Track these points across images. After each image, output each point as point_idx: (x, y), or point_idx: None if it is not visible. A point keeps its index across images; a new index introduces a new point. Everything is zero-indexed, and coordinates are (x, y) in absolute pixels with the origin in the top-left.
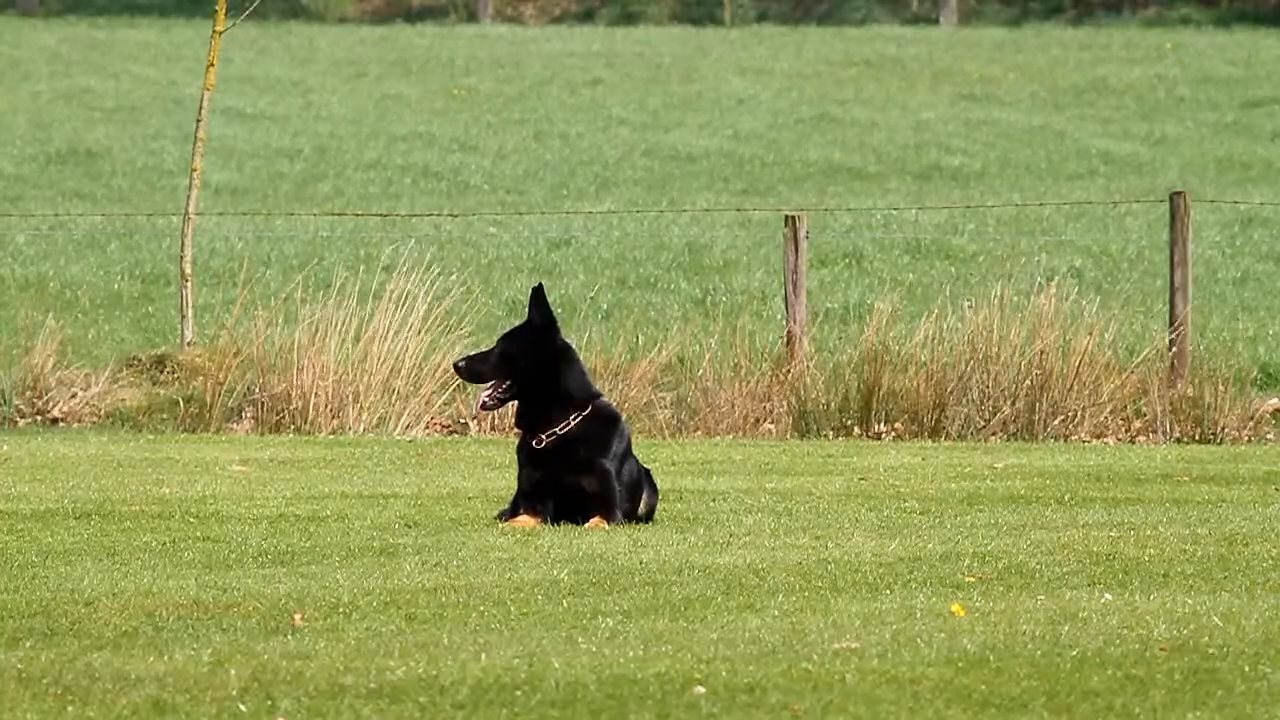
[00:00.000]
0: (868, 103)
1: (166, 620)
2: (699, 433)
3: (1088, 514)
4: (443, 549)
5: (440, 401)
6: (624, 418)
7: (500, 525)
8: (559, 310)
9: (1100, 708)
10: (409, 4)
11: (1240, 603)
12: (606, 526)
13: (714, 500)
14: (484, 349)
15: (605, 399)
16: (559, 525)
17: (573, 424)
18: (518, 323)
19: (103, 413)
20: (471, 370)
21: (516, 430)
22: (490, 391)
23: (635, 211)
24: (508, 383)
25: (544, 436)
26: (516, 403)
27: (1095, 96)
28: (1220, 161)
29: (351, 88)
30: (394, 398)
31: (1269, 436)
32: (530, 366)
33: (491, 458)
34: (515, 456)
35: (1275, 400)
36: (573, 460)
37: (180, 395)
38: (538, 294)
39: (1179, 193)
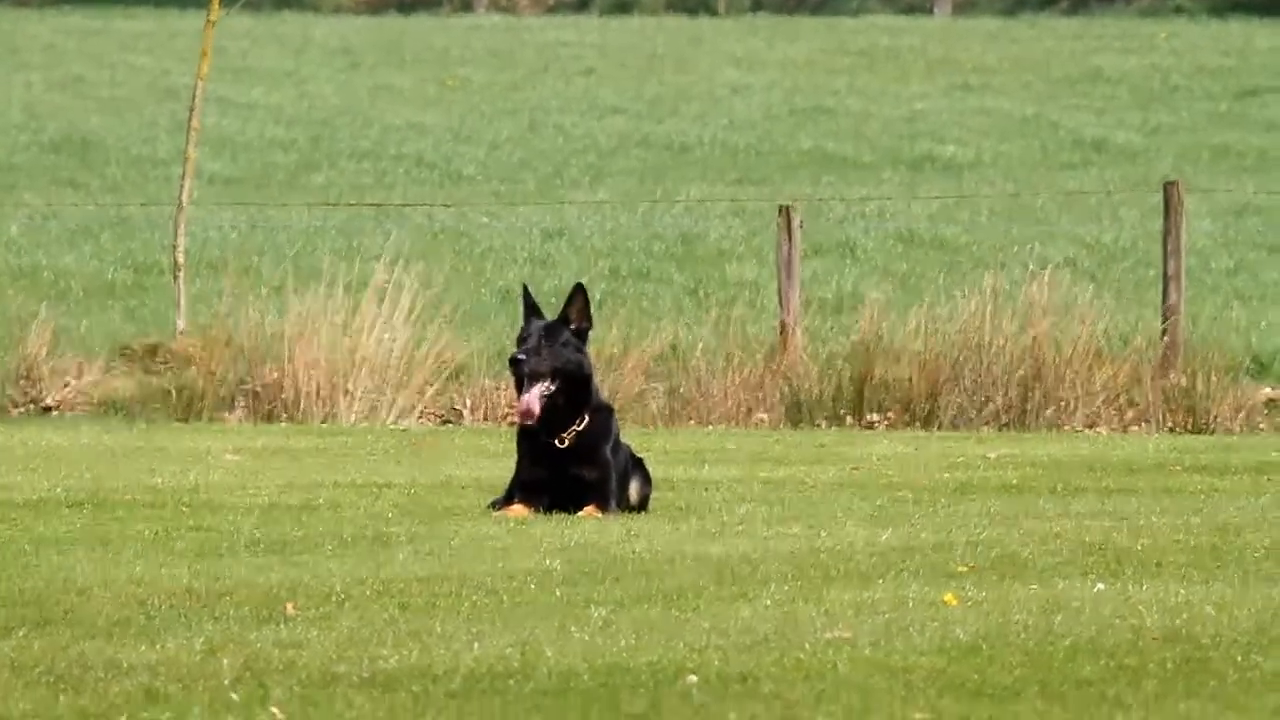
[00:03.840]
0: (862, 93)
1: (159, 609)
2: (692, 422)
3: (1080, 503)
4: (436, 538)
5: (432, 391)
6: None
7: (493, 514)
8: (552, 300)
9: (1093, 697)
10: None
11: (1233, 592)
12: (600, 515)
13: (706, 490)
14: (529, 343)
15: None
16: (551, 515)
17: (588, 420)
18: (548, 319)
19: (95, 402)
20: (534, 368)
21: (512, 422)
22: (542, 390)
23: (629, 201)
24: (558, 383)
25: (565, 436)
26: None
27: (1090, 86)
28: (1214, 151)
29: (345, 77)
30: (386, 387)
31: (1261, 426)
32: (569, 365)
33: (484, 446)
34: (510, 446)
35: (1268, 390)
36: (581, 454)
37: (173, 384)
38: (527, 292)
39: (1172, 182)
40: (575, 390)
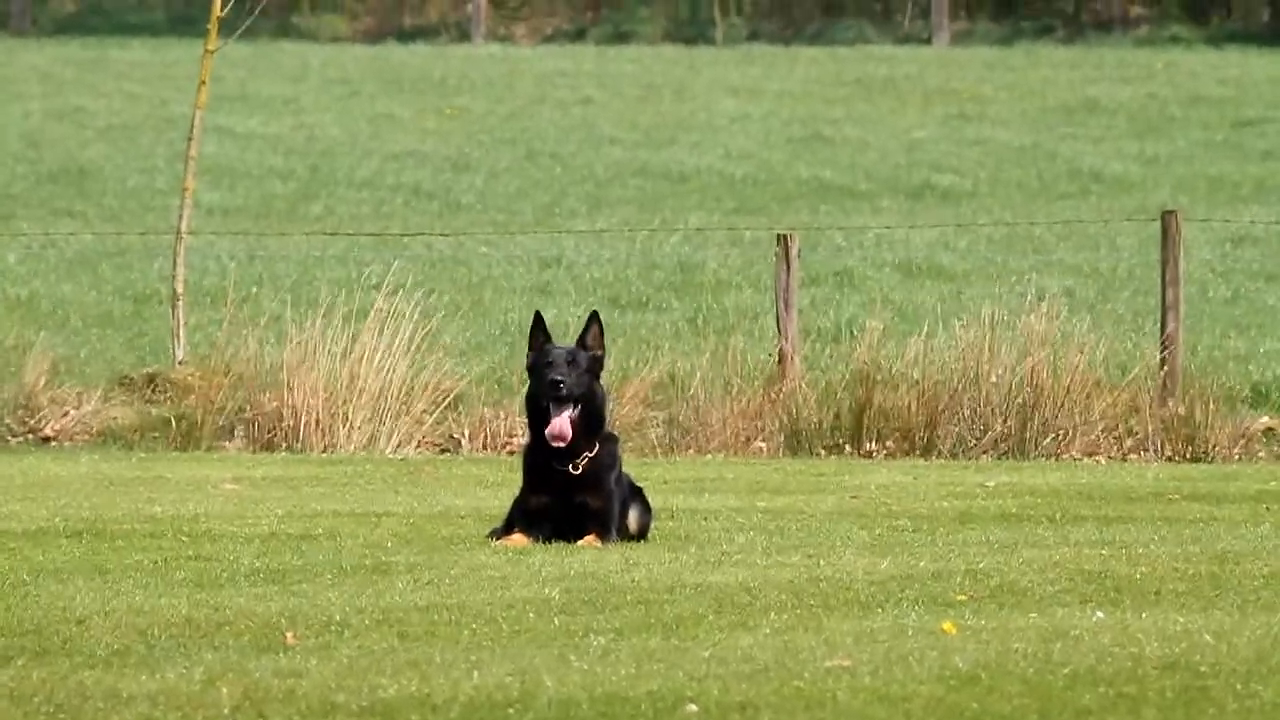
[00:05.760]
0: (859, 122)
1: (158, 638)
2: (691, 451)
3: (1079, 532)
4: (435, 567)
5: (431, 420)
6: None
7: (492, 544)
8: (552, 329)
9: None
10: (401, 23)
11: (1232, 621)
12: (600, 545)
13: (706, 519)
14: (559, 367)
15: None
16: (551, 544)
17: (598, 448)
18: (566, 345)
19: (94, 431)
20: (569, 391)
21: (512, 451)
22: (570, 414)
23: (627, 231)
24: (579, 409)
25: (579, 463)
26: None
27: (1086, 115)
28: (1211, 180)
29: (344, 107)
30: (385, 416)
31: (1260, 455)
32: (589, 391)
33: (483, 476)
34: (510, 476)
35: (1266, 419)
36: (587, 483)
37: (172, 414)
38: (540, 320)
39: (1170, 211)
40: (592, 417)
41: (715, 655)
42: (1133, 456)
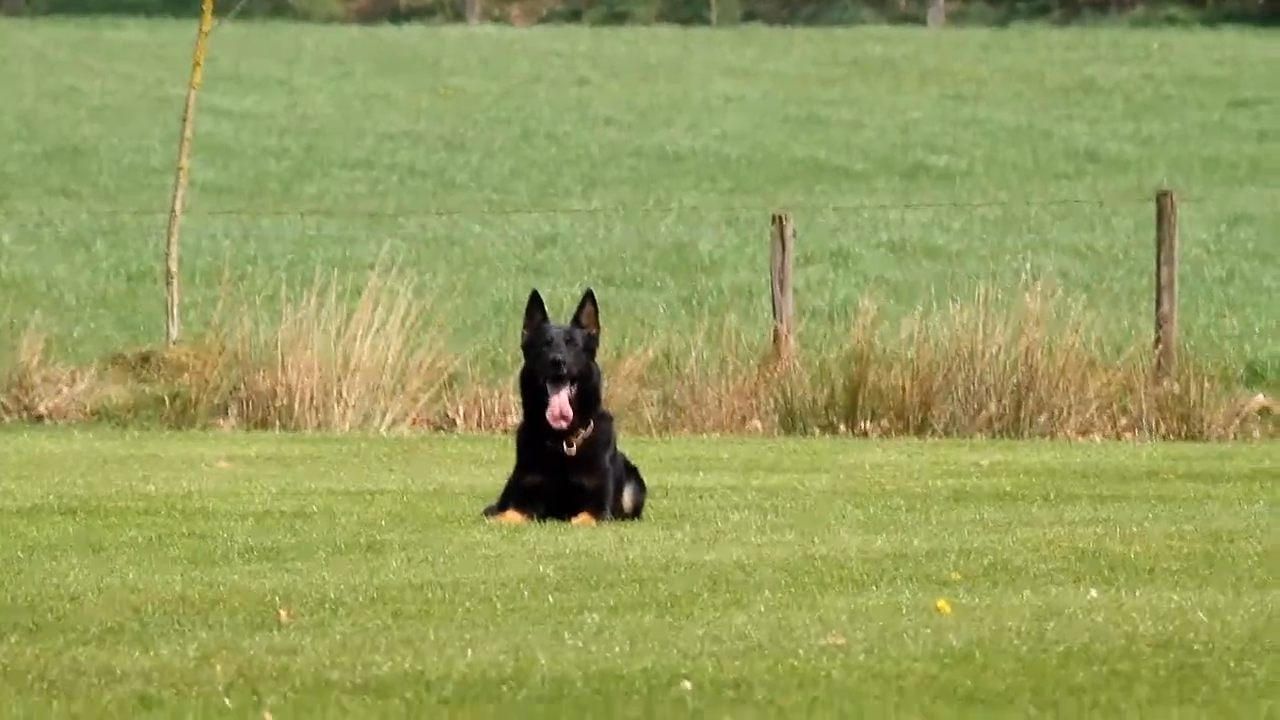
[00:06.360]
0: (855, 102)
1: (152, 616)
2: (686, 430)
3: (1073, 511)
4: (429, 545)
5: (425, 399)
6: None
7: (487, 521)
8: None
9: (1085, 704)
10: (396, 3)
11: (1225, 599)
12: (594, 523)
13: (700, 497)
14: (557, 346)
15: None
16: (545, 522)
17: (593, 427)
18: (561, 324)
19: (88, 410)
20: (569, 371)
21: (506, 429)
22: (569, 394)
23: (622, 210)
24: (574, 388)
25: (573, 442)
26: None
27: (1082, 96)
28: (1207, 160)
29: (338, 86)
30: (379, 394)
31: (1254, 434)
32: (586, 370)
33: (478, 454)
34: (504, 454)
35: (1261, 397)
36: (582, 462)
37: (166, 392)
38: (537, 298)
39: (1165, 192)
40: (587, 397)
41: (709, 633)
42: (1127, 435)
